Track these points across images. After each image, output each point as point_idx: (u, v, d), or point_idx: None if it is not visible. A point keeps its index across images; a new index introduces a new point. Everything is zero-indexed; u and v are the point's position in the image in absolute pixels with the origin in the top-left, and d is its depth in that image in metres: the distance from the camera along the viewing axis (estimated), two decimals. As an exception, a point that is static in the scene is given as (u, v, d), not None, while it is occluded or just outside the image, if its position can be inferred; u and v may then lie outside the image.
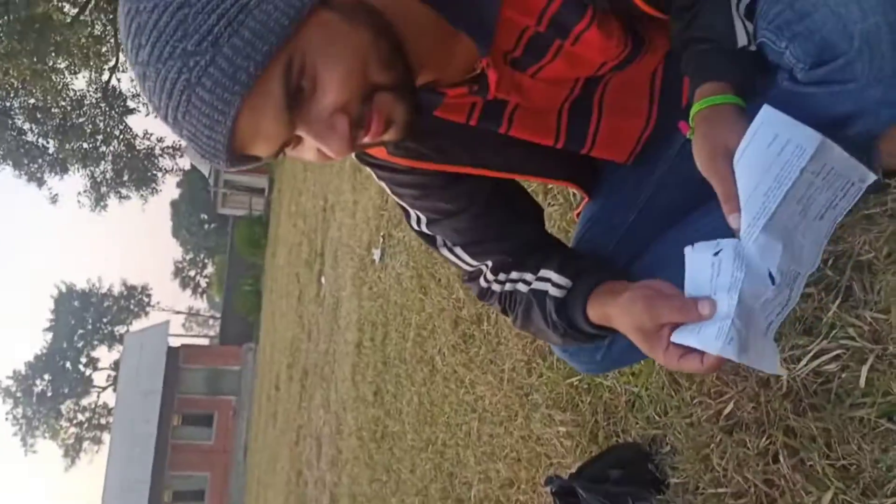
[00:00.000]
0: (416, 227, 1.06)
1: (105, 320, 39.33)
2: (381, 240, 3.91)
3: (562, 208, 1.85)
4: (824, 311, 1.00)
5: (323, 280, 6.11)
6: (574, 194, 1.77)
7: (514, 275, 1.01)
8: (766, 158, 0.66)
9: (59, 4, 13.77)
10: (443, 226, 1.02)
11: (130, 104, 19.30)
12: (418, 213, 1.03)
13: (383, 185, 1.03)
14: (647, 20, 0.89)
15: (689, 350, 0.70)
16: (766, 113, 0.68)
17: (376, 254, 3.96)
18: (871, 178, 0.66)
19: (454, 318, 2.43)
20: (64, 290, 38.54)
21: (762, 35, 0.73)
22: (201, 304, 47.57)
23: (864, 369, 0.92)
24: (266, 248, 17.23)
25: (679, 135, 0.89)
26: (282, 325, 9.59)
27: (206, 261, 44.49)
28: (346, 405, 4.04)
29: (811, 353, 0.99)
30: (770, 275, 0.67)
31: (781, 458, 0.98)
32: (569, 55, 0.89)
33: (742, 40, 0.75)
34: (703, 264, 0.71)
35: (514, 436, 1.79)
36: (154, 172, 22.78)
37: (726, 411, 1.11)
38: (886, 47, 0.62)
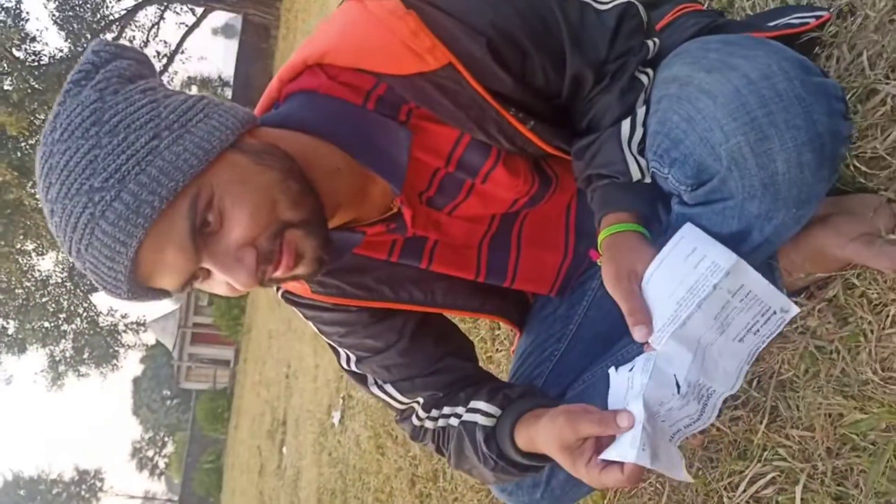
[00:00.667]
0: (346, 366, 1.05)
1: (51, 511, 36.24)
2: (341, 401, 3.81)
3: (508, 353, 1.85)
4: (754, 432, 0.99)
5: (284, 450, 5.83)
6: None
7: (445, 410, 0.99)
8: (683, 270, 0.69)
9: (32, 191, 14.22)
10: (371, 363, 1.02)
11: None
12: (347, 351, 1.03)
13: (310, 324, 1.04)
14: (552, 159, 0.96)
15: (610, 463, 0.70)
16: (687, 228, 0.72)
17: (336, 416, 3.83)
18: (794, 309, 0.68)
19: (411, 476, 2.32)
20: (10, 478, 35.80)
21: (651, 165, 0.80)
22: (159, 487, 44.34)
23: (798, 490, 0.90)
24: (229, 423, 16.51)
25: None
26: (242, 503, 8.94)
27: (165, 439, 42.19)
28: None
29: (747, 479, 0.98)
30: (676, 382, 0.69)
31: None
32: (481, 193, 0.95)
33: (636, 174, 0.81)
34: (621, 381, 0.74)
35: None
36: (116, 349, 22.25)
37: (675, 550, 1.06)
38: (751, 164, 0.67)
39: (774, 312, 0.69)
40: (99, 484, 38.88)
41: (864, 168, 0.91)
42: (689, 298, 0.68)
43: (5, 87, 12.35)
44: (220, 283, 0.73)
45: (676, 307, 0.68)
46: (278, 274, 0.74)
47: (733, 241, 0.74)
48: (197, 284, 0.73)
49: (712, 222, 0.74)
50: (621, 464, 0.68)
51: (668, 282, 0.71)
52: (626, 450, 0.67)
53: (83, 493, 38.15)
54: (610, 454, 0.70)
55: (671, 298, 0.69)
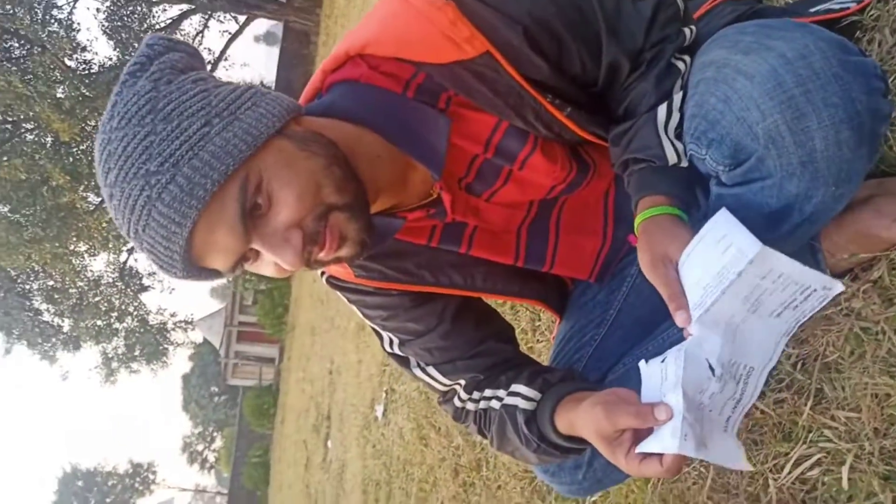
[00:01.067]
0: (388, 349, 1.08)
1: (108, 501, 37.57)
2: (384, 395, 3.87)
3: (548, 344, 1.87)
4: (798, 414, 0.99)
5: (329, 444, 5.92)
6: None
7: (487, 392, 1.01)
8: (712, 256, 0.69)
9: (84, 194, 14.72)
10: (413, 346, 1.05)
11: (146, 282, 19.90)
12: (390, 334, 1.06)
13: (354, 308, 1.07)
14: (590, 146, 0.97)
15: (649, 455, 0.70)
16: (721, 214, 0.71)
17: (379, 410, 3.89)
18: (838, 286, 0.66)
19: (454, 466, 2.35)
20: (69, 469, 37.28)
21: (689, 148, 0.80)
22: (209, 481, 45.54)
23: (845, 471, 0.90)
24: (275, 418, 16.84)
25: None
26: (289, 497, 9.12)
27: (214, 434, 43.25)
28: (351, 577, 3.74)
29: (792, 461, 0.97)
30: (710, 366, 0.68)
31: (776, 575, 0.92)
32: (518, 180, 0.96)
33: (672, 158, 0.81)
34: (653, 373, 0.73)
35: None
36: (165, 346, 22.90)
37: (720, 532, 1.06)
38: (789, 142, 0.67)
39: (815, 290, 0.67)
40: (152, 477, 40.13)
41: (909, 147, 0.90)
42: (715, 285, 0.67)
43: (58, 95, 12.82)
44: (268, 263, 0.77)
45: (703, 293, 0.68)
46: (322, 255, 0.77)
47: (773, 221, 0.73)
48: (247, 266, 0.77)
49: (751, 203, 0.74)
50: (661, 455, 0.68)
51: (698, 267, 0.71)
52: (667, 441, 0.66)
53: (137, 485, 39.42)
54: (650, 446, 0.69)
55: (699, 284, 0.69)
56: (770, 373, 0.72)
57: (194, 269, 0.74)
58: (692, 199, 0.85)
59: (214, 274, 0.76)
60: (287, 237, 0.74)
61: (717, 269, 0.68)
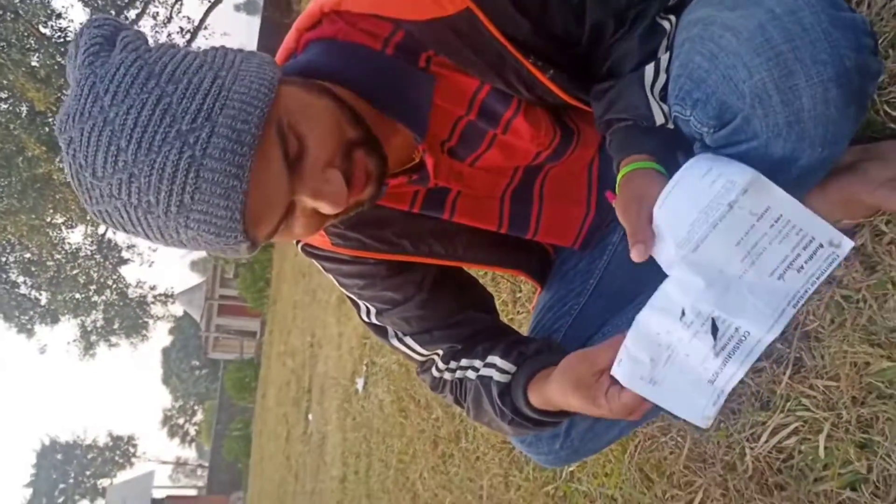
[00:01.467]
0: (366, 318, 1.06)
1: (88, 473, 37.60)
2: (365, 368, 3.86)
3: (529, 315, 1.86)
4: (777, 383, 0.99)
5: (310, 417, 5.93)
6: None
7: (463, 362, 1.00)
8: (697, 190, 0.65)
9: (60, 165, 14.40)
10: (391, 315, 1.03)
11: (125, 255, 19.69)
12: (367, 304, 1.04)
13: (331, 277, 1.04)
14: (574, 112, 0.95)
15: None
16: (703, 154, 0.68)
17: (360, 383, 3.89)
18: (847, 243, 0.61)
19: (433, 438, 2.36)
20: (47, 442, 37.14)
21: (673, 109, 0.77)
22: (190, 454, 45.66)
23: (822, 439, 0.90)
24: (256, 391, 16.85)
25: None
26: (270, 469, 9.16)
27: (195, 407, 43.26)
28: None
29: (769, 429, 0.97)
30: (682, 310, 0.64)
31: (751, 542, 0.92)
32: (502, 145, 0.94)
33: (659, 119, 0.79)
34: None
35: (491, 554, 1.68)
36: (145, 320, 22.75)
37: (696, 502, 1.06)
38: (776, 101, 0.65)
39: (821, 246, 0.62)
40: (132, 450, 40.08)
41: (894, 114, 0.88)
42: (702, 220, 0.63)
43: (33, 64, 12.49)
44: (299, 217, 0.73)
45: (689, 229, 0.64)
46: (353, 196, 0.74)
47: None
48: (280, 231, 0.73)
49: None
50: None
51: (682, 203, 0.66)
52: (615, 367, 0.66)
53: (117, 458, 39.38)
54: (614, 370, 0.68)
55: (684, 221, 0.65)
56: (773, 343, 0.65)
57: (245, 234, 0.67)
58: (674, 162, 0.83)
59: (253, 247, 0.71)
60: (327, 178, 0.70)
61: (706, 202, 0.63)
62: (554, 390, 0.79)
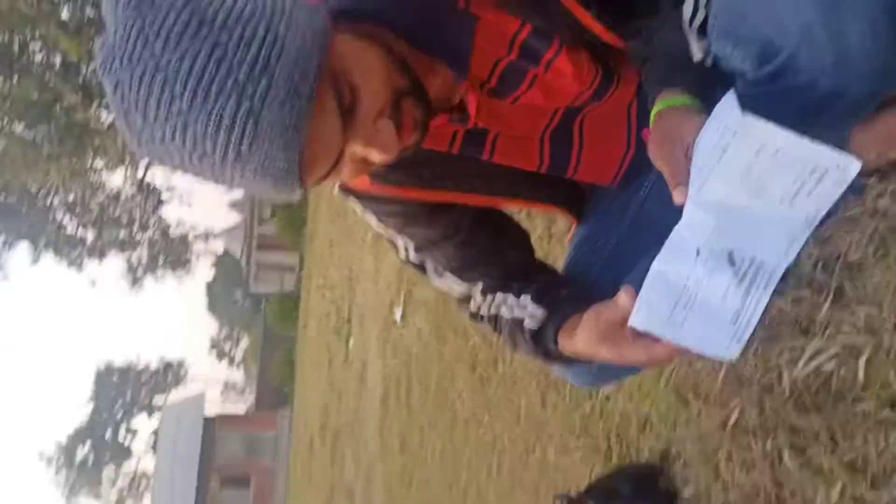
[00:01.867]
0: (404, 257, 1.08)
1: (142, 393, 40.06)
2: (402, 298, 3.95)
3: (564, 248, 1.87)
4: (818, 311, 0.99)
5: (351, 342, 6.15)
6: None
7: (499, 297, 1.02)
8: (706, 137, 0.67)
9: (97, 113, 14.53)
10: (431, 252, 1.05)
11: (164, 196, 20.13)
12: (406, 240, 1.06)
13: (370, 217, 1.06)
14: (613, 54, 0.93)
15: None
16: (728, 96, 0.68)
17: (398, 313, 3.99)
18: (854, 164, 0.61)
19: (471, 363, 2.43)
20: (103, 368, 39.40)
21: (713, 45, 0.75)
22: (237, 376, 47.82)
23: (862, 362, 0.91)
24: (297, 322, 17.41)
25: None
26: (314, 393, 9.58)
27: (240, 335, 44.98)
28: (376, 458, 4.02)
29: (808, 354, 0.98)
30: (697, 250, 0.65)
31: (788, 458, 0.95)
32: (543, 85, 0.93)
33: (697, 55, 0.77)
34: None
35: (532, 467, 1.76)
36: (188, 256, 23.40)
37: (732, 420, 1.09)
38: (824, 39, 0.63)
39: (827, 171, 0.62)
40: (183, 374, 42.25)
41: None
42: (706, 165, 0.65)
43: (62, 18, 12.51)
44: (347, 163, 0.74)
45: (697, 173, 0.66)
46: (401, 143, 0.75)
47: (803, 121, 0.70)
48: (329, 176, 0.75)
49: (779, 102, 0.70)
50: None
51: (698, 150, 0.68)
52: (632, 315, 0.66)
53: (169, 380, 41.56)
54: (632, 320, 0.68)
55: (697, 167, 0.67)
56: (788, 269, 0.66)
57: (300, 179, 0.69)
58: (712, 99, 0.82)
59: (303, 191, 0.73)
60: (379, 127, 0.72)
61: (710, 147, 0.66)
62: (582, 343, 0.80)
